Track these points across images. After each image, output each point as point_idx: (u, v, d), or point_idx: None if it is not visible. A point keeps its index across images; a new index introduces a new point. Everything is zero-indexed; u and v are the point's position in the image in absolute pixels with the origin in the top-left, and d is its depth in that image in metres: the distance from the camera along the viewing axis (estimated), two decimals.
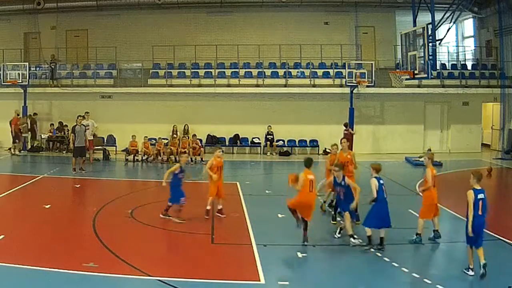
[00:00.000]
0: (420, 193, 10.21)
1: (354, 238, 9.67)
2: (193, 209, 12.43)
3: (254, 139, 24.29)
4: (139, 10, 25.82)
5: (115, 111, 23.84)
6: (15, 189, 14.52)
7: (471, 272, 8.08)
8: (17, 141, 22.42)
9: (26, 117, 23.23)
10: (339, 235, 10.17)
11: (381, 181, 9.38)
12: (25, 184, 15.40)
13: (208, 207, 11.49)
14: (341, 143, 12.28)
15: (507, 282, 7.70)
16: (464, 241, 8.21)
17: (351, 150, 12.30)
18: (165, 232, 10.56)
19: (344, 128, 21.05)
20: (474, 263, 8.08)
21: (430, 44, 17.58)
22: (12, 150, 22.43)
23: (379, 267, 8.56)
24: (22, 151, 22.67)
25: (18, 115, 22.91)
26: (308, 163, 9.85)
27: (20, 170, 19.58)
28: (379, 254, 9.05)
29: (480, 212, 7.89)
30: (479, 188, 8.04)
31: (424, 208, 9.84)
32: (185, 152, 16.46)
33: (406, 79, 19.88)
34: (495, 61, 24.78)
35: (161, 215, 11.31)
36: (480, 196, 7.94)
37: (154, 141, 21.64)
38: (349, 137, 19.07)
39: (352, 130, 21.61)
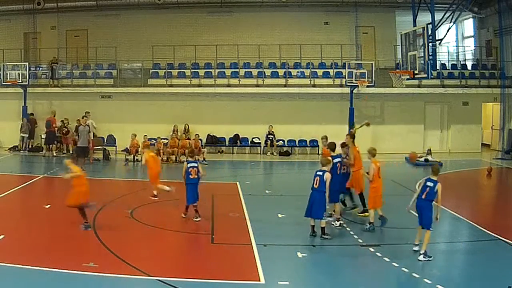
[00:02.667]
0: (367, 175, 10.95)
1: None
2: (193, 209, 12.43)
3: (254, 139, 24.27)
4: (139, 10, 25.77)
5: (115, 111, 23.79)
6: (15, 189, 14.50)
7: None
8: (55, 142, 22.36)
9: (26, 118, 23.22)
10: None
11: (318, 173, 9.98)
12: (25, 184, 15.40)
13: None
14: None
15: (507, 282, 7.70)
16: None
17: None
18: (165, 232, 10.55)
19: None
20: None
21: (430, 44, 17.57)
22: (54, 152, 22.23)
23: (379, 267, 8.55)
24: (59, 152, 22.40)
25: (54, 116, 22.83)
26: None
27: (20, 170, 19.58)
28: (379, 254, 9.05)
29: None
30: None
31: (371, 200, 10.70)
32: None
33: (407, 79, 19.86)
34: (495, 61, 24.74)
35: (183, 215, 11.43)
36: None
37: (154, 141, 21.60)
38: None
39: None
